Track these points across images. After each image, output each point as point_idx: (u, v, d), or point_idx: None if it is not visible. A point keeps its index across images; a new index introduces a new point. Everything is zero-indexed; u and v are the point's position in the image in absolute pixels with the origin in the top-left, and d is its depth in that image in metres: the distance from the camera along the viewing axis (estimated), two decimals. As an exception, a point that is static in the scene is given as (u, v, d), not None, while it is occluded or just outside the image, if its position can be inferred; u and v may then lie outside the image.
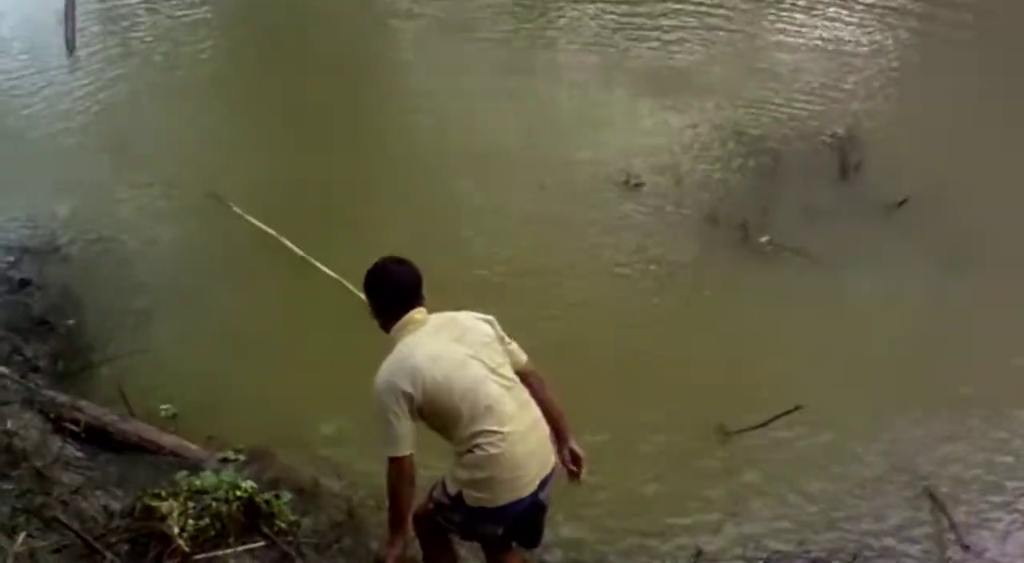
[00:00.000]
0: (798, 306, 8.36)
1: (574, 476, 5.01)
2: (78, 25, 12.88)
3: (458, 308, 4.85)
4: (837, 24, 13.40)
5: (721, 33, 13.10)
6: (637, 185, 9.96)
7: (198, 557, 5.34)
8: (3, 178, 9.95)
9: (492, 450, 4.52)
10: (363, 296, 4.87)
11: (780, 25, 13.43)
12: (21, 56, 12.51)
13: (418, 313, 4.69)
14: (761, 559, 5.88)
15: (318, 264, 8.18)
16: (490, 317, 4.84)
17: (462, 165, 10.35)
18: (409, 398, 4.50)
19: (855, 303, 8.38)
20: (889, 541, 6.26)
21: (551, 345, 7.69)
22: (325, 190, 9.78)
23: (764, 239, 9.09)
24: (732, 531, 6.32)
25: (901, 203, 9.43)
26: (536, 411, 4.74)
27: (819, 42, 12.92)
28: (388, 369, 4.58)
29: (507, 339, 4.83)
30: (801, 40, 12.99)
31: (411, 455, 4.57)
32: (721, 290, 8.64)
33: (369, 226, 9.08)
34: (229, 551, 5.52)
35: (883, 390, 7.48)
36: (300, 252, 8.29)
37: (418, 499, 4.84)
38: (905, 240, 9.05)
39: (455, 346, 4.61)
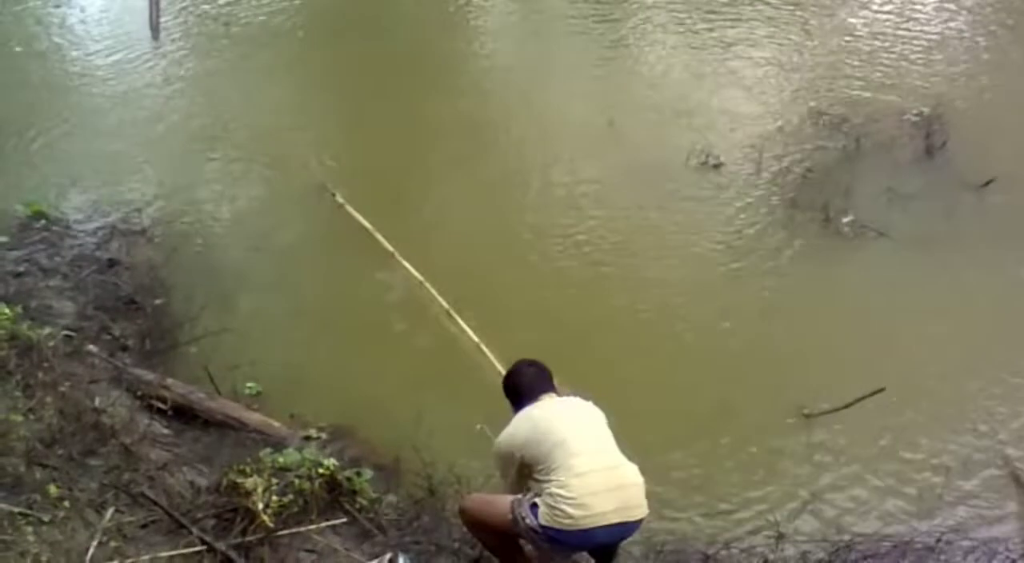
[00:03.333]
0: (881, 287, 8.26)
1: None
2: (162, 10, 13.02)
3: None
4: (920, 2, 13.13)
5: (801, 13, 12.89)
6: (716, 165, 9.88)
7: (282, 533, 5.43)
8: (91, 160, 10.13)
9: (569, 480, 4.89)
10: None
11: (862, 3, 13.19)
12: (107, 41, 12.65)
13: (546, 396, 5.32)
14: (843, 542, 5.82)
15: (434, 291, 8.03)
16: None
17: (543, 145, 10.35)
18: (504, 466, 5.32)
19: (939, 284, 8.24)
20: (972, 525, 6.18)
21: (630, 324, 7.74)
22: (411, 169, 9.86)
23: (847, 220, 8.97)
24: (812, 513, 6.28)
25: (987, 183, 9.26)
26: (619, 460, 5.07)
27: (902, 20, 12.66)
28: (505, 437, 5.27)
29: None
30: (884, 18, 12.75)
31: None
32: (802, 272, 8.55)
33: (455, 212, 9.21)
34: (312, 527, 5.60)
35: (968, 373, 7.37)
36: (418, 276, 8.15)
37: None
38: (991, 220, 8.88)
39: (559, 405, 5.27)
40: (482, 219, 9.15)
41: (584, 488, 4.84)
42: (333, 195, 8.88)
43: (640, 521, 5.02)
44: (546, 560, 5.29)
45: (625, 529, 4.99)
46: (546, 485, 4.91)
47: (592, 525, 4.86)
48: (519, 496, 5.12)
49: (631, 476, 5.00)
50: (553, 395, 5.30)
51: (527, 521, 4.99)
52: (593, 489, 4.85)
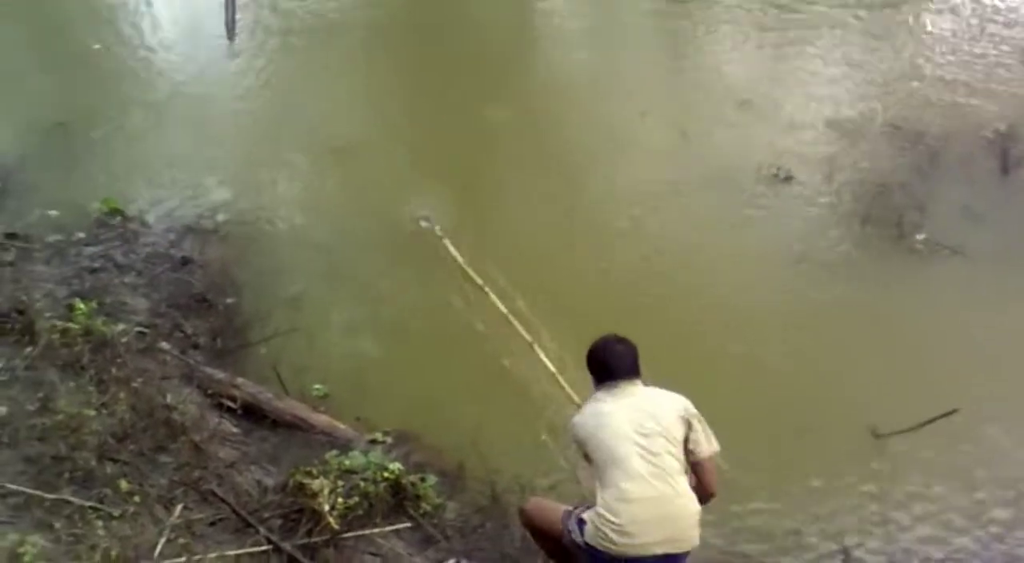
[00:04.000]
0: (954, 307, 8.13)
1: None
2: (238, 11, 13.16)
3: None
4: (1000, 16, 12.92)
5: (883, 20, 12.74)
6: (787, 178, 9.80)
7: (346, 535, 5.47)
8: (167, 158, 10.26)
9: (612, 502, 4.81)
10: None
11: (941, 17, 13.01)
12: (183, 41, 12.85)
13: (627, 384, 5.05)
14: (912, 565, 5.77)
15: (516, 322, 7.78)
16: (693, 408, 5.02)
17: (611, 153, 10.34)
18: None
19: (1014, 304, 8.09)
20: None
21: (695, 339, 7.69)
22: (478, 172, 9.89)
23: (920, 237, 8.86)
24: (881, 535, 6.21)
25: (1064, 203, 9.12)
26: (675, 490, 4.86)
27: (980, 34, 12.47)
28: (577, 420, 5.13)
29: (698, 425, 4.99)
30: (962, 31, 12.57)
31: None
32: (875, 289, 8.43)
33: (522, 219, 9.25)
34: (376, 530, 5.65)
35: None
36: (503, 309, 7.85)
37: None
38: (1068, 240, 8.73)
39: (624, 409, 4.95)
40: (547, 226, 9.14)
41: (632, 516, 4.76)
42: (428, 224, 8.83)
43: (687, 553, 4.92)
44: None
45: (670, 560, 4.89)
46: (599, 499, 4.86)
47: (635, 554, 4.80)
48: (571, 508, 5.12)
49: (685, 507, 4.87)
50: (637, 383, 5.07)
51: (573, 536, 4.99)
52: (642, 518, 4.76)
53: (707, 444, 4.98)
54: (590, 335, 5.20)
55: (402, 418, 7.06)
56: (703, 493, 4.98)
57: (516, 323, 7.21)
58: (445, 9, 13.68)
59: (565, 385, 7.03)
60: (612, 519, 4.76)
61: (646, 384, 5.09)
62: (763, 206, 9.46)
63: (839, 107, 11.00)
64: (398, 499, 5.93)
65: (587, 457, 4.99)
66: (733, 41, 12.56)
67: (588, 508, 4.96)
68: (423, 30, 12.89)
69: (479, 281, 7.55)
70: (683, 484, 4.88)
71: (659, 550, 4.79)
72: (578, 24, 13.53)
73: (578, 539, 4.95)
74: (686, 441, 4.94)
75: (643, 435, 4.84)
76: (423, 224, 7.62)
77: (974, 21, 12.65)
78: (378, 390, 7.36)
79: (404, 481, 5.96)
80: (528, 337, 6.96)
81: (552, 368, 7.24)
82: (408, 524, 5.86)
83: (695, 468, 4.99)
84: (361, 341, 7.90)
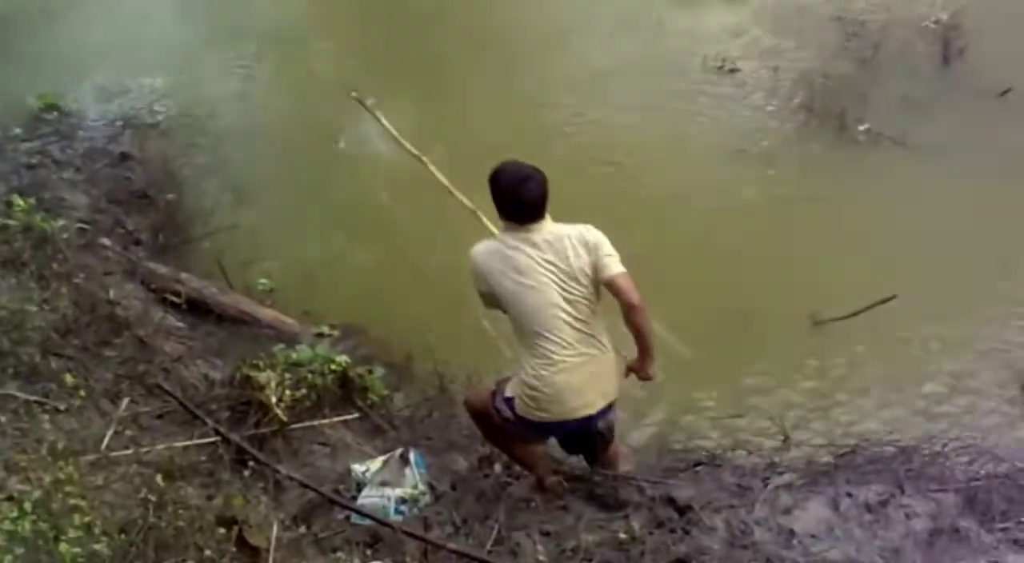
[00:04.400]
0: (896, 196, 8.20)
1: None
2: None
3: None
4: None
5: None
6: (732, 70, 9.80)
7: (294, 426, 5.50)
8: (103, 51, 10.07)
9: (542, 372, 4.70)
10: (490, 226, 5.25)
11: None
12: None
13: (537, 226, 4.70)
14: (848, 446, 5.87)
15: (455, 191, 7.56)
16: (596, 235, 4.73)
17: (550, 40, 10.31)
18: (480, 292, 4.88)
19: (955, 193, 8.17)
20: (980, 434, 6.21)
21: (639, 221, 7.70)
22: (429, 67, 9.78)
23: (862, 128, 8.92)
24: (821, 418, 6.33)
25: (1005, 92, 9.19)
26: (600, 350, 4.77)
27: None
28: (478, 254, 4.83)
29: (605, 251, 4.69)
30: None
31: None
32: (817, 179, 8.52)
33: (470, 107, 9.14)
34: (324, 421, 5.69)
35: (981, 283, 7.34)
36: (443, 179, 6.98)
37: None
38: (1008, 129, 8.80)
39: (540, 267, 4.66)
40: (496, 113, 9.09)
41: (564, 384, 4.69)
42: (357, 98, 7.79)
43: (611, 405, 4.89)
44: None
45: (598, 416, 4.86)
46: (527, 367, 4.75)
47: (567, 418, 4.78)
48: (492, 388, 5.03)
49: (608, 363, 4.79)
50: (545, 222, 4.71)
51: (504, 414, 4.93)
52: (575, 385, 4.70)
53: (614, 267, 4.67)
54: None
55: (349, 312, 7.06)
56: (626, 309, 4.71)
57: (457, 192, 6.85)
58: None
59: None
60: (544, 390, 4.71)
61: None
62: (708, 96, 9.48)
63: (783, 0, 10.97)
64: (346, 391, 5.94)
65: (503, 311, 4.83)
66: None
67: (509, 380, 4.91)
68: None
69: (414, 152, 7.03)
70: (606, 340, 4.80)
71: (591, 411, 4.79)
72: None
73: (508, 415, 4.90)
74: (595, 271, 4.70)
75: (568, 302, 4.65)
76: (353, 94, 7.28)
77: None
78: (324, 283, 7.33)
79: (351, 373, 5.96)
80: (471, 205, 6.64)
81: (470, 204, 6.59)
82: (356, 415, 5.90)
83: (608, 287, 4.70)
84: (305, 233, 7.88)
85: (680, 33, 10.44)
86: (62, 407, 5.14)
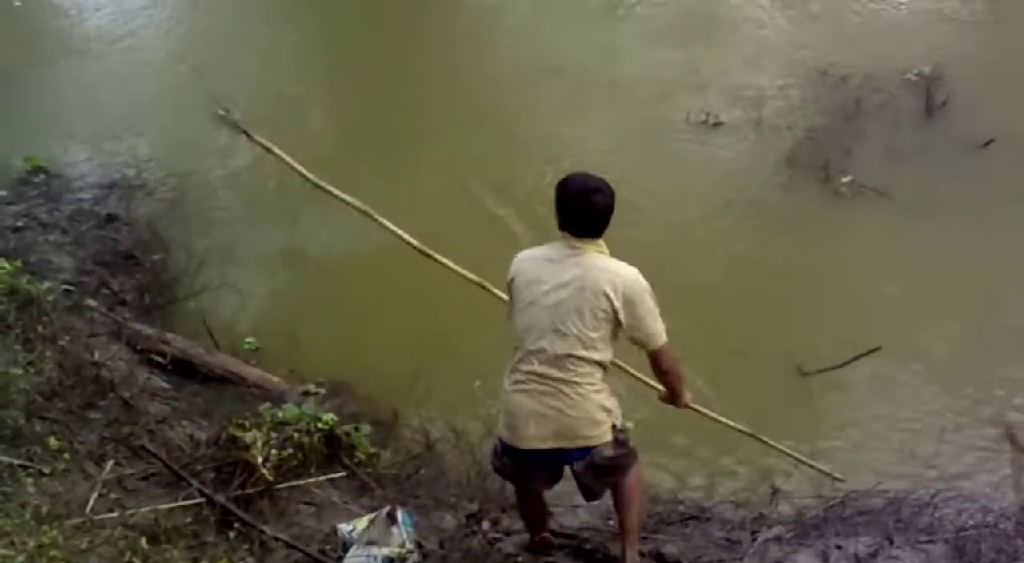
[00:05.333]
0: (880, 247, 8.25)
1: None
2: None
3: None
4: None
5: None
6: (716, 124, 9.87)
7: (281, 486, 5.47)
8: (91, 113, 10.11)
9: (507, 385, 4.63)
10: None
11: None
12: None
13: (581, 246, 4.59)
14: (837, 498, 5.86)
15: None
16: (637, 290, 4.58)
17: (540, 94, 10.39)
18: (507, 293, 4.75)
19: (938, 244, 8.24)
20: (967, 482, 6.22)
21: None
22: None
23: (846, 180, 8.96)
24: (809, 470, 6.31)
25: (987, 143, 9.25)
26: (569, 392, 4.53)
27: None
28: (522, 253, 4.76)
29: (641, 313, 4.55)
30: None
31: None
32: (801, 231, 8.55)
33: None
34: (311, 481, 5.65)
35: (965, 332, 7.39)
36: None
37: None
38: (990, 181, 8.86)
39: (559, 290, 4.52)
40: (479, 169, 9.14)
41: (515, 402, 4.57)
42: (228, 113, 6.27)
43: (585, 449, 4.62)
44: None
45: (564, 456, 4.65)
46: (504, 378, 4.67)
47: (519, 445, 4.60)
48: None
49: (576, 409, 4.52)
50: (591, 247, 4.59)
51: (496, 444, 4.80)
52: (525, 408, 4.54)
53: (654, 340, 4.57)
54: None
55: (336, 369, 7.06)
56: (666, 388, 4.80)
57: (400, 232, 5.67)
58: None
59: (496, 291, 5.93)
60: (505, 403, 4.62)
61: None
62: (693, 149, 9.53)
63: (766, 55, 11.06)
64: (332, 449, 5.92)
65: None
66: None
67: None
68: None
69: (316, 181, 5.86)
70: (592, 390, 4.55)
71: (539, 445, 4.57)
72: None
73: (497, 444, 4.78)
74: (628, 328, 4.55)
75: (561, 335, 4.49)
76: (220, 113, 5.85)
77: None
78: (310, 342, 7.34)
79: (338, 431, 5.94)
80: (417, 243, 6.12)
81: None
82: (343, 473, 5.87)
83: (650, 361, 4.68)
84: (291, 292, 7.89)
85: (663, 87, 10.50)
86: (46, 470, 5.10)
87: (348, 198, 5.62)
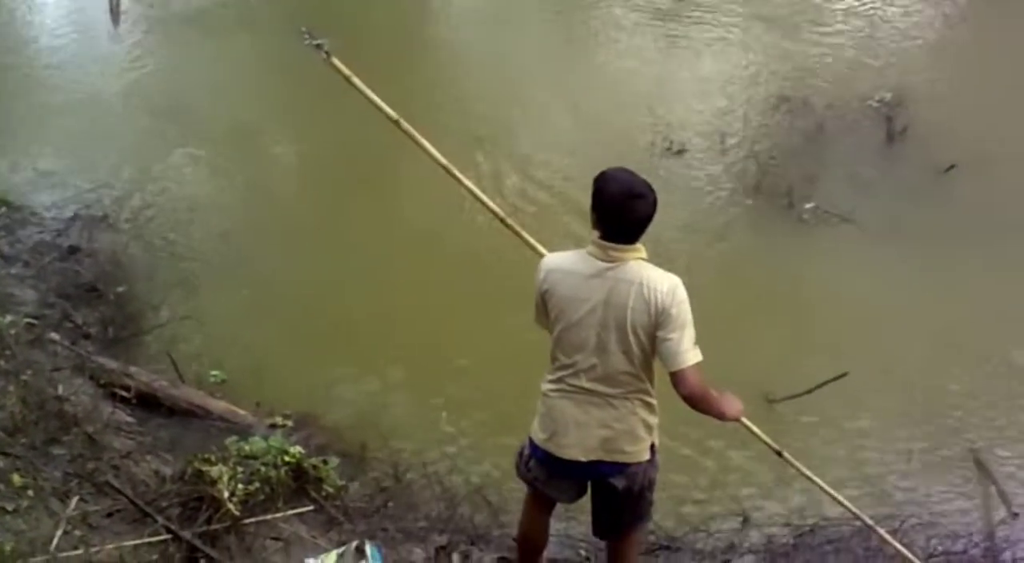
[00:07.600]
0: (844, 273, 8.32)
1: None
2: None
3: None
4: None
5: (768, 2, 12.93)
6: (680, 152, 9.92)
7: (248, 521, 5.40)
8: (51, 146, 10.03)
9: (550, 390, 4.53)
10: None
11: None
12: (67, 29, 12.58)
13: (619, 254, 4.37)
14: (807, 526, 5.87)
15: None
16: (669, 301, 4.38)
17: (497, 127, 10.40)
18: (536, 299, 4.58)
19: (902, 270, 8.31)
20: (936, 508, 6.25)
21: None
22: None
23: (809, 206, 9.03)
24: (778, 498, 6.31)
25: (948, 169, 9.35)
26: (617, 402, 4.46)
27: (865, 7, 12.73)
28: (551, 255, 4.70)
29: (671, 327, 4.38)
30: (846, 5, 12.82)
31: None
32: (765, 256, 8.60)
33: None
34: (278, 515, 5.58)
35: (931, 358, 7.44)
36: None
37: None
38: (952, 205, 8.96)
39: (604, 311, 4.35)
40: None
41: (560, 408, 4.48)
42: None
43: (623, 466, 4.54)
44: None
45: (604, 470, 4.55)
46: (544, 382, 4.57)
47: (558, 454, 4.53)
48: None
49: (622, 422, 4.46)
50: (630, 254, 4.37)
51: (525, 449, 4.70)
52: (568, 414, 4.47)
53: (678, 359, 4.38)
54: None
55: (302, 401, 6.99)
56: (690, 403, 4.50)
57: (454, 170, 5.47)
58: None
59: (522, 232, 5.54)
60: (546, 407, 4.53)
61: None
62: (656, 176, 9.50)
63: (729, 83, 11.15)
64: (300, 483, 5.86)
65: (546, 319, 4.53)
66: (623, 24, 12.61)
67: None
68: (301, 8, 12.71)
69: (393, 115, 5.30)
70: (639, 404, 4.49)
71: (580, 456, 4.50)
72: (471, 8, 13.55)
73: (527, 448, 4.68)
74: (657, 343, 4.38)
75: (609, 352, 4.36)
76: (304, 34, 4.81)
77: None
78: (277, 373, 7.26)
79: (305, 464, 5.88)
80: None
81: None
82: (311, 507, 5.80)
83: (671, 379, 4.41)
84: (256, 323, 7.82)
85: (626, 114, 10.55)
86: (10, 508, 5.05)
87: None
